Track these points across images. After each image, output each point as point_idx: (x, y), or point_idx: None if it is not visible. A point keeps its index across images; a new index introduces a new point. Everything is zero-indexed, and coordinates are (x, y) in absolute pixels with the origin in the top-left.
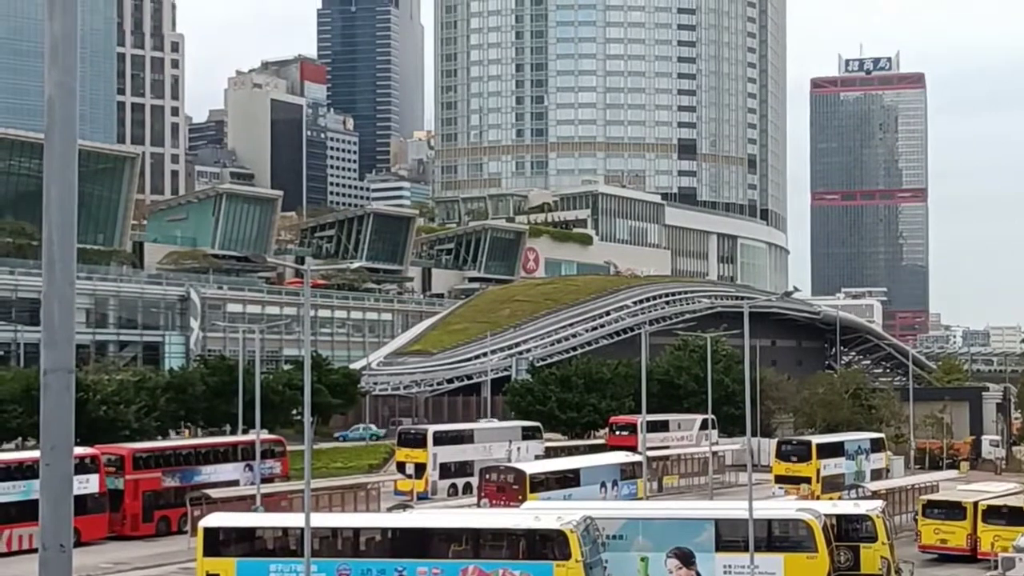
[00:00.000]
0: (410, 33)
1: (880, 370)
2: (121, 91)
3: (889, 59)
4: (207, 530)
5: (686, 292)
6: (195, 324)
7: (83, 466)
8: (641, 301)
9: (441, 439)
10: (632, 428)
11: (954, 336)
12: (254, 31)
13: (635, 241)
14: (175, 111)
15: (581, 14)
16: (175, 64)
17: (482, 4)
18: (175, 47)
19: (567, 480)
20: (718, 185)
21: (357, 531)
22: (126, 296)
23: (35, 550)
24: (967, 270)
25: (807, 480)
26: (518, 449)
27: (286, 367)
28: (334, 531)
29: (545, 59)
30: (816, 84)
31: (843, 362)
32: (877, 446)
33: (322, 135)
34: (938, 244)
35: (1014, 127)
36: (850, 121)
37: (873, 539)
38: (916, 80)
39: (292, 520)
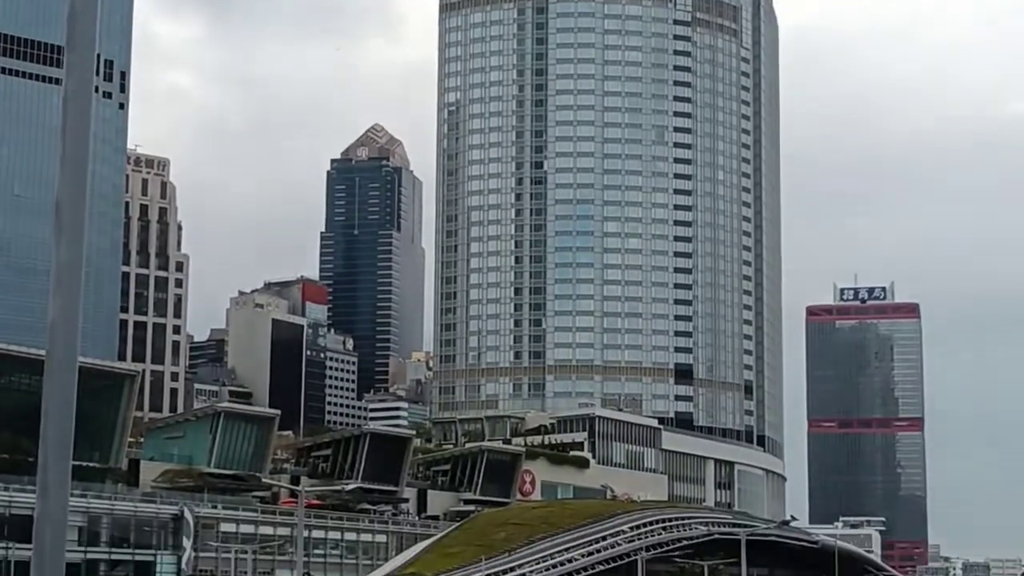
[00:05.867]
0: (411, 256)
1: None
2: (124, 309)
3: (884, 288)
4: None
5: (684, 518)
6: (188, 544)
7: None
8: (638, 527)
9: None
10: None
11: (954, 568)
12: (258, 253)
13: (632, 465)
14: (177, 330)
15: (579, 240)
16: (179, 284)
17: (482, 229)
18: (179, 267)
19: None
20: (715, 411)
21: None
22: (119, 515)
23: None
24: (967, 501)
25: None
26: None
27: None
28: None
29: (543, 283)
30: (811, 312)
31: None
32: None
33: (322, 355)
34: (936, 474)
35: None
36: (845, 349)
37: None
38: (911, 310)
39: None
